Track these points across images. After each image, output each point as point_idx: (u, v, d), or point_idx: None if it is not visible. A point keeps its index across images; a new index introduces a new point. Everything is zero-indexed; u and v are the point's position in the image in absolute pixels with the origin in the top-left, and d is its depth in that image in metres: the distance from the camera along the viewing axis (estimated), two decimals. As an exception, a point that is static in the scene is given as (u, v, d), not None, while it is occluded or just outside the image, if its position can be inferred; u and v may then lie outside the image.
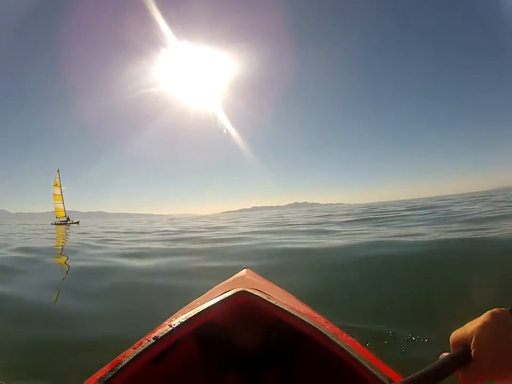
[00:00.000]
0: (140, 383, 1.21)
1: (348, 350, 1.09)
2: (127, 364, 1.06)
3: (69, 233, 22.13)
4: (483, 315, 0.67)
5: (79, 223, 56.44)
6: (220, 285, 1.87)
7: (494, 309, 0.67)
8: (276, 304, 1.31)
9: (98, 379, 1.03)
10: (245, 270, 2.12)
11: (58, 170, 58.82)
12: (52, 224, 54.85)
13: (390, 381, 0.97)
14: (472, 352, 0.64)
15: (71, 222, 55.85)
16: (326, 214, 30.55)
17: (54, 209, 57.67)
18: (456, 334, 0.70)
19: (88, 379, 1.07)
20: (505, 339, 0.61)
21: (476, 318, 0.68)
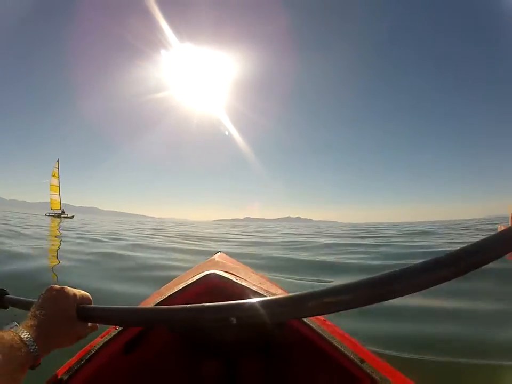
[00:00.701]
0: (111, 373, 1.16)
1: (328, 337, 1.07)
2: (95, 353, 1.03)
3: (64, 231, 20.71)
4: None
5: (74, 217, 54.34)
6: (191, 269, 1.78)
7: None
8: (245, 285, 1.30)
9: (67, 370, 1.01)
10: (219, 253, 2.03)
11: (58, 160, 57.11)
12: (45, 215, 53.09)
13: (382, 377, 0.95)
14: None
15: (65, 215, 54.01)
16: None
17: (49, 200, 55.99)
18: None
19: (58, 370, 1.02)
20: None
21: None
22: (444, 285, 0.51)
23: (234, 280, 1.33)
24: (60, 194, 56.24)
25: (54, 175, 56.17)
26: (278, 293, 1.38)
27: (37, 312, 0.72)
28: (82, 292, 0.82)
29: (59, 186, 56.27)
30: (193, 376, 1.60)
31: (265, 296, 1.18)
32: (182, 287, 1.31)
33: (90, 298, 0.83)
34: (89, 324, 0.81)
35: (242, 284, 1.31)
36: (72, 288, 0.81)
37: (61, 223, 29.17)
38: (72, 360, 1.04)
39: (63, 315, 0.74)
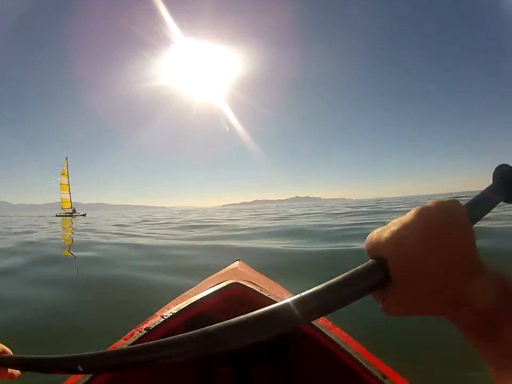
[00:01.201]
0: (131, 374, 1.20)
1: (340, 344, 1.10)
2: None
3: (80, 228, 19.27)
4: (425, 207, 0.41)
5: (86, 215, 52.61)
6: (212, 276, 1.82)
7: (443, 200, 0.42)
8: (268, 296, 1.32)
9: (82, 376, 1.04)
10: (237, 262, 2.08)
11: (66, 158, 55.26)
12: (56, 215, 51.55)
13: (384, 376, 0.99)
14: (388, 265, 0.40)
15: (77, 214, 52.38)
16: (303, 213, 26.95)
17: (60, 200, 54.12)
18: (370, 239, 0.44)
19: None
20: (445, 256, 0.38)
21: None
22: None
23: (258, 290, 1.36)
24: (70, 193, 54.55)
25: (63, 174, 54.30)
26: None
27: None
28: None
29: (69, 185, 54.65)
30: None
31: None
32: (203, 295, 1.32)
33: (7, 350, 0.84)
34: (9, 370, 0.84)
35: (266, 295, 1.33)
36: None
37: (73, 223, 27.49)
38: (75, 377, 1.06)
39: None
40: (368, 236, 0.44)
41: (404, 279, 0.39)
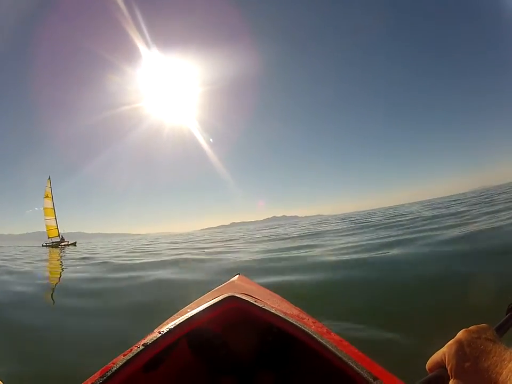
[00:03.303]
0: None
1: (334, 350, 1.13)
2: (117, 370, 1.08)
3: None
4: (458, 333, 0.65)
5: (76, 244, 44.60)
6: (211, 291, 1.88)
7: (471, 326, 0.65)
8: (263, 307, 1.37)
9: None
10: (237, 276, 2.17)
11: (49, 178, 46.59)
12: (42, 246, 43.40)
13: (375, 378, 1.01)
14: (448, 372, 0.61)
15: (66, 243, 44.21)
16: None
17: (40, 229, 46.01)
18: (431, 359, 0.67)
19: None
20: (482, 357, 0.58)
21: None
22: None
23: (254, 302, 1.41)
24: (56, 218, 46.41)
25: (46, 196, 45.73)
26: (295, 314, 1.46)
27: None
28: None
29: (54, 209, 46.39)
30: None
31: (285, 319, 1.29)
32: (200, 310, 1.37)
33: None
34: None
35: (263, 306, 1.38)
36: None
37: (62, 253, 23.57)
38: (93, 377, 1.08)
39: None
40: (430, 358, 0.67)
41: (463, 379, 0.58)
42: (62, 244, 43.80)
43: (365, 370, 1.04)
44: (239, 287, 1.82)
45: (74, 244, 43.56)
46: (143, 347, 1.17)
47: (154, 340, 1.21)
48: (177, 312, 1.60)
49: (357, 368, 1.04)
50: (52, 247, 40.08)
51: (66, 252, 25.36)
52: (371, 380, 1.01)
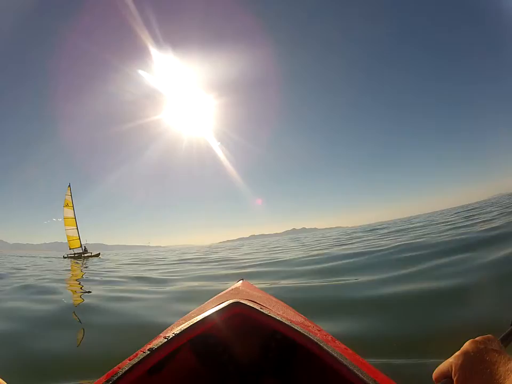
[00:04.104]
0: None
1: (339, 358, 1.12)
2: (123, 374, 1.09)
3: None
4: (464, 344, 0.68)
5: (100, 255, 41.66)
6: (215, 297, 1.88)
7: (478, 337, 0.68)
8: (268, 314, 1.35)
9: None
10: (241, 281, 2.14)
11: (69, 186, 44.40)
12: (64, 257, 40.65)
13: (373, 381, 1.02)
14: (455, 383, 0.64)
15: (89, 254, 41.45)
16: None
17: (66, 238, 42.99)
18: (438, 369, 0.70)
19: None
20: (488, 368, 0.60)
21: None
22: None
23: (259, 309, 1.38)
24: (77, 228, 43.67)
25: (66, 205, 43.29)
26: (300, 322, 1.43)
27: None
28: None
29: (75, 218, 43.74)
30: None
31: (290, 326, 1.26)
32: (205, 316, 1.35)
33: None
34: None
35: (267, 313, 1.35)
36: None
37: (84, 266, 20.03)
38: (98, 381, 1.09)
39: None
40: (436, 368, 0.71)
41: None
42: (85, 255, 41.04)
43: (370, 379, 1.03)
44: (243, 292, 1.80)
45: (98, 255, 40.68)
46: (148, 352, 1.17)
47: (160, 345, 1.20)
48: (181, 317, 1.59)
49: (362, 376, 1.04)
50: (74, 258, 37.35)
51: (103, 264, 21.99)
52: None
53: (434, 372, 0.70)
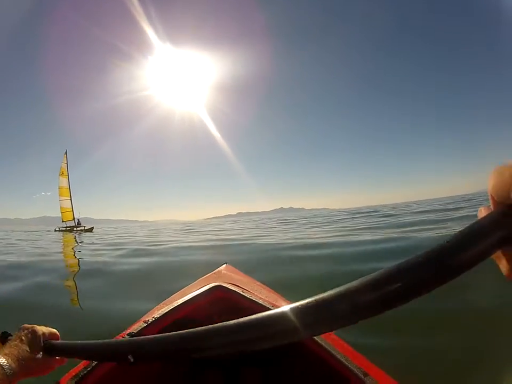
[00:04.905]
0: (116, 380, 1.19)
1: (323, 344, 1.11)
2: None
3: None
4: None
5: (93, 230, 38.99)
6: (197, 280, 1.83)
7: None
8: (250, 298, 1.33)
9: (73, 376, 1.04)
10: (225, 265, 2.10)
11: (66, 153, 41.18)
12: (55, 230, 38.08)
13: (365, 374, 1.01)
14: None
15: (82, 228, 38.97)
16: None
17: (59, 210, 40.17)
18: (502, 175, 0.33)
19: (62, 377, 1.05)
20: None
21: None
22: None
23: (241, 293, 1.37)
24: (71, 200, 40.78)
25: (62, 174, 40.25)
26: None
27: (12, 347, 0.80)
28: (50, 329, 0.88)
29: (69, 188, 40.74)
30: None
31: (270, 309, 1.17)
32: (186, 299, 1.33)
33: (58, 334, 0.88)
34: (57, 357, 0.85)
35: (249, 296, 1.34)
36: (41, 327, 0.87)
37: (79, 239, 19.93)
38: (77, 367, 1.07)
39: (30, 352, 0.80)
40: (497, 172, 0.33)
41: None
42: (78, 228, 38.48)
43: (355, 366, 1.02)
44: (226, 276, 1.76)
45: (91, 230, 38.09)
46: (127, 337, 1.14)
47: (139, 330, 1.18)
48: (163, 301, 1.57)
49: (346, 363, 1.03)
50: (66, 231, 34.93)
51: (103, 238, 19.57)
52: (361, 376, 1.00)
53: (491, 182, 0.33)
